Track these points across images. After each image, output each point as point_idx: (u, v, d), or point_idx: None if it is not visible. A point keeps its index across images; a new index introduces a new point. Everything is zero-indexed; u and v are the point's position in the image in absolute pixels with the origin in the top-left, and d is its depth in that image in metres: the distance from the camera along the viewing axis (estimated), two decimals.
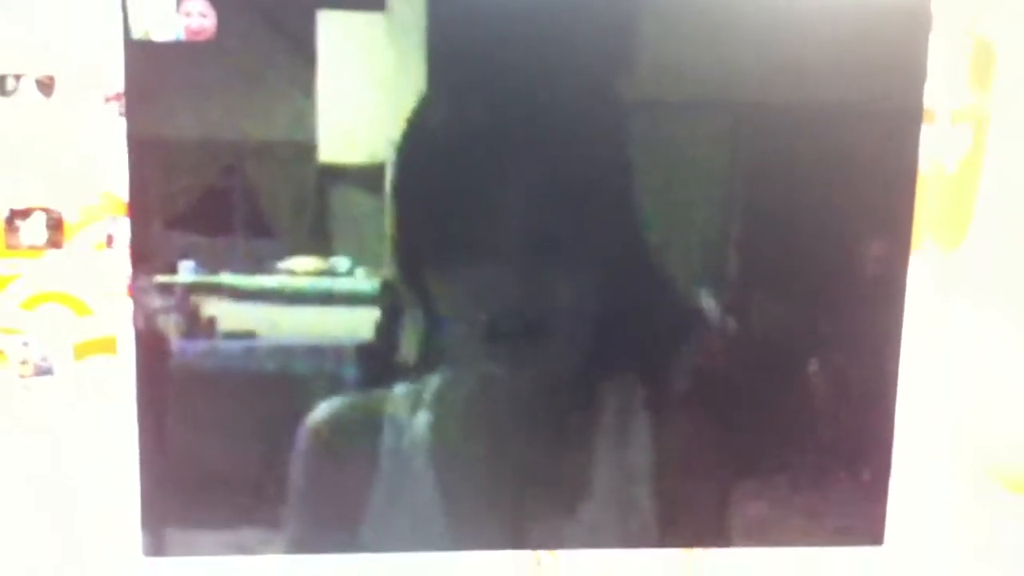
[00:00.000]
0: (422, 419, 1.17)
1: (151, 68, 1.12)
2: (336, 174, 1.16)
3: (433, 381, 1.19)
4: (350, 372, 1.19)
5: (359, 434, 1.20)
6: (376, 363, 1.18)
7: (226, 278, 1.16)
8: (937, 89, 1.19)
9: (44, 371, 1.14)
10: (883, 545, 1.27)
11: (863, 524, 1.26)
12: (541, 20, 1.12)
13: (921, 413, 1.24)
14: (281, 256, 1.17)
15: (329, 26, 1.11)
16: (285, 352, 1.18)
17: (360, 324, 1.19)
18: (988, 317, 1.24)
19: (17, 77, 1.09)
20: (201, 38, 1.06)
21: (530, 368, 1.18)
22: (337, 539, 1.21)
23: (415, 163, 1.13)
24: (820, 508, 1.25)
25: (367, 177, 1.15)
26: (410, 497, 1.18)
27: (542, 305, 1.15)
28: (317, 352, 1.18)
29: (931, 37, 1.19)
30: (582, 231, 1.15)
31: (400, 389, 1.19)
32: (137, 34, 1.08)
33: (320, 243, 1.18)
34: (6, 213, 1.11)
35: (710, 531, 1.26)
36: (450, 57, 1.11)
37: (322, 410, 1.19)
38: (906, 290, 1.24)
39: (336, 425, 1.19)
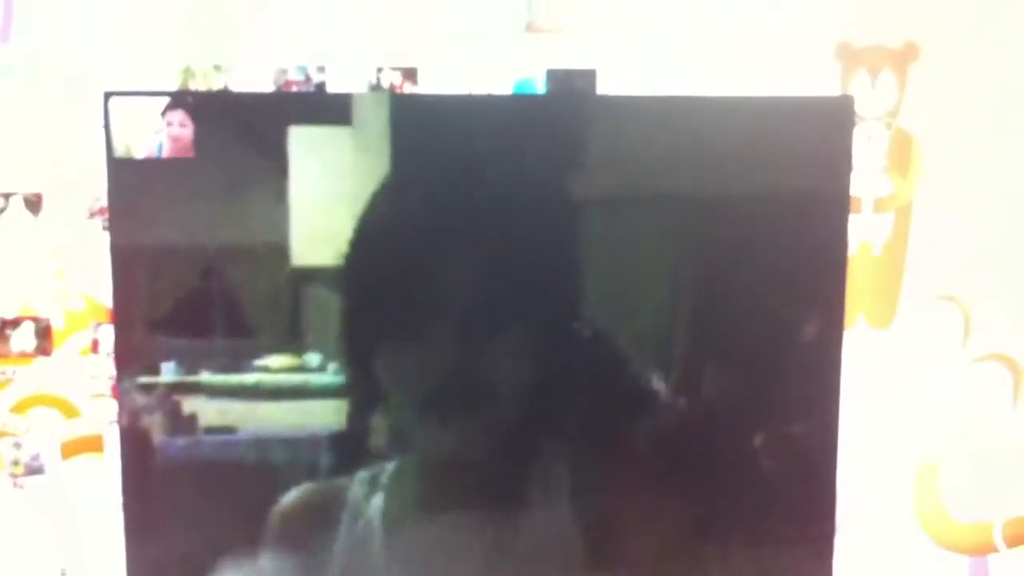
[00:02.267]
0: (376, 502, 1.17)
1: (133, 183, 1.15)
2: (307, 276, 1.17)
3: (389, 465, 1.19)
4: (324, 460, 1.20)
5: (321, 519, 1.21)
6: (347, 451, 1.19)
7: (206, 377, 1.17)
8: (861, 178, 1.24)
9: (35, 471, 1.16)
10: None
11: None
12: (496, 127, 1.16)
13: (860, 478, 1.27)
14: (257, 354, 1.18)
15: (300, 139, 1.13)
16: (263, 444, 1.20)
17: (332, 415, 1.20)
18: (919, 387, 1.29)
19: (6, 196, 1.12)
20: (180, 153, 1.10)
21: (479, 449, 1.20)
22: None
23: (371, 255, 1.16)
24: (769, 572, 1.26)
25: (337, 278, 1.16)
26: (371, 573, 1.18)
27: (493, 391, 1.17)
28: (293, 443, 1.20)
29: (855, 131, 1.23)
30: (535, 317, 1.17)
31: (361, 474, 1.20)
32: (119, 152, 1.11)
33: (294, 341, 1.19)
34: None
35: None
36: (412, 163, 1.14)
37: (289, 497, 1.20)
38: (841, 365, 1.24)
39: (300, 511, 1.20)
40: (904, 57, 1.22)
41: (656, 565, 1.26)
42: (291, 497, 1.20)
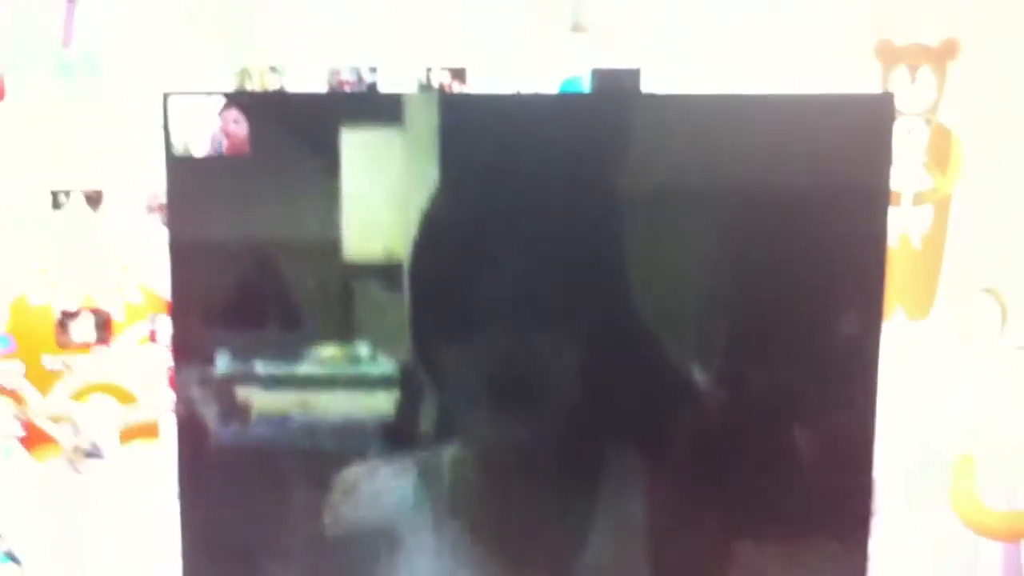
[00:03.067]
0: (437, 488, 1.19)
1: (191, 180, 1.16)
2: (358, 270, 1.19)
3: (445, 453, 1.20)
4: (374, 448, 1.21)
5: (379, 502, 1.21)
6: (396, 440, 1.21)
7: (259, 366, 1.19)
8: (901, 172, 1.24)
9: (93, 455, 1.18)
10: None
11: (848, 573, 1.29)
12: (543, 126, 1.16)
13: (897, 467, 1.28)
14: (309, 345, 1.19)
15: (352, 138, 1.15)
16: (315, 432, 1.22)
17: (382, 404, 1.21)
18: (956, 378, 1.29)
19: (67, 192, 1.14)
20: (237, 151, 1.11)
21: (532, 438, 1.20)
22: None
23: (428, 255, 1.16)
24: (807, 561, 1.27)
25: (386, 272, 1.18)
26: (425, 560, 1.21)
27: (544, 381, 1.18)
28: (343, 431, 1.21)
29: (895, 126, 1.23)
30: (581, 313, 1.18)
31: (415, 463, 1.20)
32: (178, 150, 1.12)
33: (345, 332, 1.20)
34: (58, 315, 1.15)
35: None
36: (460, 162, 1.15)
37: (345, 478, 1.20)
38: (879, 356, 1.25)
39: (359, 494, 1.20)
40: (943, 54, 1.22)
41: (694, 554, 1.26)
42: (351, 472, 1.19)
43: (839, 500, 1.29)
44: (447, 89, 1.07)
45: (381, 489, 1.22)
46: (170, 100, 1.10)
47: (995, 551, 1.34)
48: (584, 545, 1.24)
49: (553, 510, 1.24)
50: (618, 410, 1.21)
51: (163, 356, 1.12)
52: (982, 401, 1.28)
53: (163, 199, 1.12)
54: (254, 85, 1.05)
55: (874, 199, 1.24)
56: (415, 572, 1.22)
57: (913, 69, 1.21)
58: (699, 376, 1.21)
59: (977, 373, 1.28)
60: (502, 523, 1.24)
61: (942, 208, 1.24)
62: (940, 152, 1.24)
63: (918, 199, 1.23)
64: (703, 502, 1.25)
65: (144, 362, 1.13)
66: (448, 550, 1.22)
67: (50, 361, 1.12)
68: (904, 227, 1.24)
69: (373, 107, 1.16)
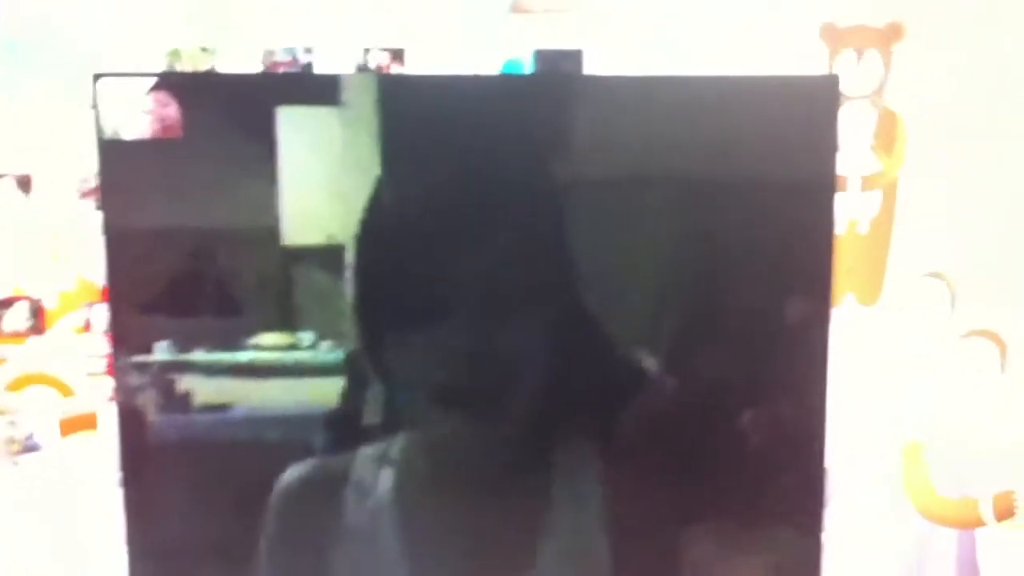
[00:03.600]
0: (385, 479, 1.16)
1: (123, 164, 1.13)
2: (298, 255, 1.16)
3: (395, 443, 1.18)
4: (319, 438, 1.19)
5: (326, 495, 1.19)
6: (342, 429, 1.18)
7: (199, 355, 1.17)
8: (848, 157, 1.22)
9: (31, 448, 1.15)
10: None
11: (801, 561, 1.28)
12: (484, 107, 1.14)
13: (849, 454, 1.26)
14: (250, 333, 1.17)
15: (288, 120, 1.12)
16: (257, 422, 1.19)
17: (326, 393, 1.19)
18: (906, 364, 1.27)
19: None
20: (169, 133, 1.09)
21: (483, 427, 1.18)
22: None
23: (371, 242, 1.14)
24: (760, 547, 1.25)
25: (327, 257, 1.15)
26: (376, 553, 1.18)
27: (492, 368, 1.16)
28: (287, 421, 1.18)
29: (841, 110, 1.21)
30: (528, 299, 1.16)
31: (365, 452, 1.18)
32: (108, 133, 1.09)
33: (286, 319, 1.18)
34: None
35: (659, 573, 1.25)
36: (400, 144, 1.13)
37: (290, 473, 1.18)
38: (829, 342, 1.23)
39: (304, 488, 1.19)
40: (889, 37, 1.20)
41: (648, 540, 1.25)
42: (292, 475, 1.19)
43: (792, 487, 1.28)
44: (385, 70, 1.04)
45: (327, 482, 1.18)
46: (99, 82, 1.07)
47: (949, 538, 1.32)
48: (536, 535, 1.22)
49: (504, 501, 1.22)
50: (568, 398, 1.21)
51: (99, 345, 1.08)
52: (933, 387, 1.26)
53: (94, 183, 1.08)
54: (185, 66, 1.02)
55: (821, 184, 1.24)
56: (362, 566, 1.16)
57: (859, 52, 1.19)
58: (649, 363, 1.18)
59: (928, 358, 1.26)
60: (452, 515, 1.22)
61: (889, 193, 1.23)
62: (887, 136, 1.22)
63: (866, 184, 1.21)
64: (656, 490, 1.25)
65: (80, 352, 1.10)
66: (397, 543, 1.19)
67: None
68: (852, 212, 1.22)
69: (310, 88, 1.13)
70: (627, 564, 1.22)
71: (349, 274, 1.14)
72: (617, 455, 1.24)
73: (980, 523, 1.32)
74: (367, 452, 1.18)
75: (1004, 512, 1.32)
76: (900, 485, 1.29)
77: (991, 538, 1.33)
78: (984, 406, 1.29)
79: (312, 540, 1.19)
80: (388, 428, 1.20)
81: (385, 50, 1.06)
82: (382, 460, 1.18)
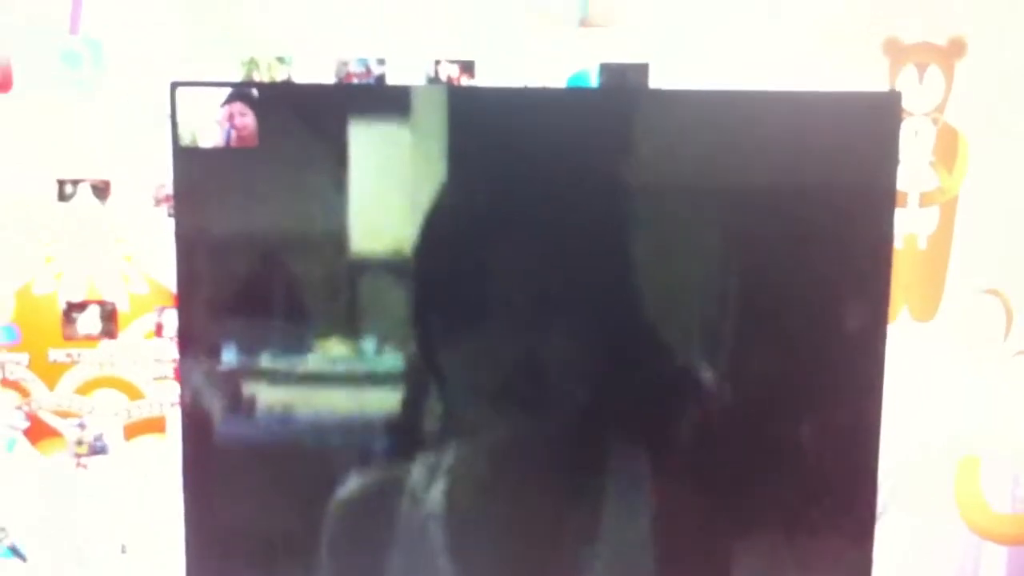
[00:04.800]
0: (437, 490, 1.16)
1: (197, 171, 1.14)
2: (365, 264, 1.17)
3: (448, 452, 1.18)
4: (378, 445, 1.19)
5: (382, 505, 1.20)
6: (402, 436, 1.19)
7: (265, 361, 1.16)
8: (907, 173, 1.22)
9: (99, 451, 1.16)
10: None
11: (852, 573, 1.27)
12: (550, 120, 1.14)
13: (902, 468, 1.25)
14: (315, 340, 1.16)
15: (360, 130, 1.12)
16: (320, 427, 1.20)
17: (387, 401, 1.20)
18: (961, 380, 1.26)
19: (75, 183, 1.11)
20: (244, 143, 1.09)
21: (536, 436, 1.19)
22: None
23: (432, 247, 1.15)
24: (812, 558, 1.25)
25: (393, 266, 1.16)
26: (431, 559, 1.18)
27: (548, 375, 1.16)
28: (348, 427, 1.19)
29: (902, 126, 1.20)
30: (586, 307, 1.16)
31: (419, 461, 1.19)
32: (185, 141, 1.10)
33: (350, 327, 1.18)
34: (64, 306, 1.12)
35: None
36: (467, 155, 1.14)
37: (349, 484, 1.19)
38: (884, 356, 1.22)
39: (361, 497, 1.20)
40: (951, 53, 1.20)
41: (698, 549, 1.25)
42: (349, 487, 1.20)
43: (844, 500, 1.29)
44: (455, 82, 1.04)
45: (383, 492, 1.20)
46: (178, 91, 1.07)
47: (999, 554, 1.31)
48: (590, 541, 1.23)
49: (559, 508, 1.23)
50: (624, 406, 1.21)
51: (169, 350, 1.08)
52: (987, 403, 1.25)
53: (169, 190, 1.08)
54: (261, 76, 1.02)
55: (881, 199, 1.24)
56: (418, 570, 1.14)
57: (921, 68, 1.19)
58: (705, 373, 1.17)
59: (982, 375, 1.25)
60: (503, 521, 1.23)
61: (948, 209, 1.22)
62: (947, 152, 1.21)
63: (924, 200, 1.20)
64: (708, 499, 1.24)
65: (150, 356, 1.10)
66: (448, 550, 1.20)
67: (56, 354, 1.09)
68: (910, 227, 1.22)
69: (381, 99, 1.13)
70: (678, 572, 1.21)
71: (410, 281, 1.10)
72: (669, 462, 1.24)
73: None
74: (421, 463, 1.15)
75: None
76: (952, 500, 1.28)
77: None
78: None
79: (368, 549, 1.20)
80: (445, 435, 1.19)
81: (455, 62, 1.06)
82: (436, 468, 1.16)
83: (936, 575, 1.29)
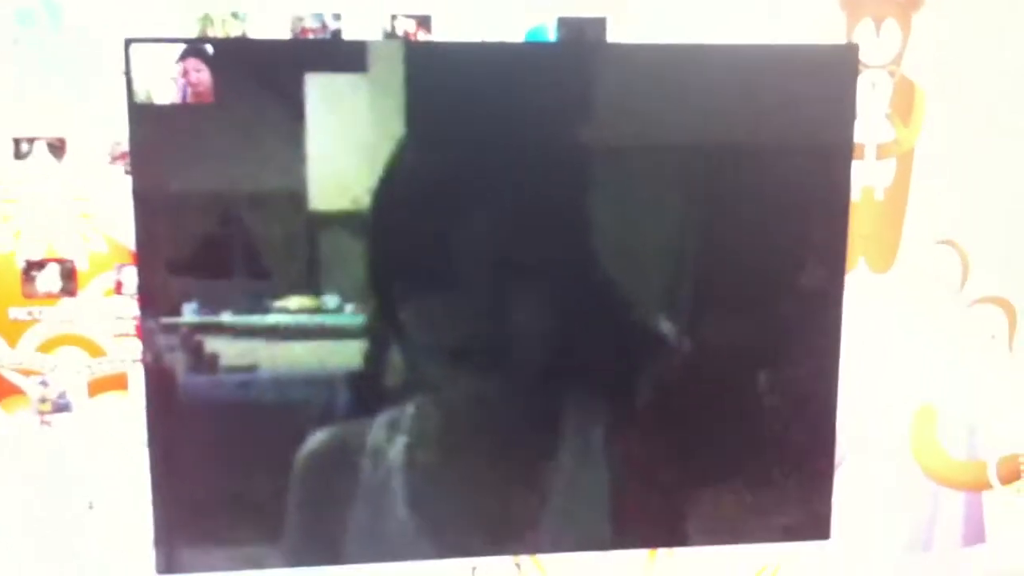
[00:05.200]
0: (398, 445, 1.17)
1: (153, 129, 1.13)
2: (324, 220, 1.17)
3: (409, 407, 1.18)
4: (341, 400, 1.20)
5: (345, 459, 1.22)
6: (364, 391, 1.19)
7: (226, 317, 1.18)
8: (864, 125, 1.22)
9: (62, 408, 1.16)
10: (829, 539, 1.31)
11: (811, 521, 1.29)
12: (508, 75, 1.14)
13: (859, 417, 1.27)
14: (276, 296, 1.17)
15: (316, 86, 1.11)
16: (282, 383, 1.20)
17: (349, 356, 1.20)
18: (917, 330, 1.28)
19: (30, 141, 1.11)
20: (200, 99, 1.09)
21: (498, 390, 1.20)
22: (329, 553, 1.22)
23: (390, 203, 1.15)
24: (771, 507, 1.27)
25: (352, 222, 1.16)
26: (393, 513, 1.20)
27: (508, 332, 1.17)
28: (311, 382, 1.19)
29: (859, 78, 1.21)
30: (546, 263, 1.17)
31: (381, 417, 1.20)
32: (140, 98, 1.09)
33: (311, 283, 1.19)
34: (23, 264, 1.12)
35: (671, 532, 1.28)
36: (425, 110, 1.13)
37: (312, 440, 1.21)
38: (842, 308, 1.24)
39: (325, 452, 1.21)
40: (908, 6, 1.20)
41: (659, 500, 1.25)
42: (314, 441, 1.21)
43: (803, 449, 1.28)
44: (412, 37, 1.04)
45: (345, 448, 1.21)
46: (132, 47, 1.06)
47: (957, 501, 1.33)
48: (550, 496, 1.24)
49: (520, 463, 1.23)
50: (585, 362, 1.20)
51: (129, 307, 1.08)
52: (943, 352, 1.27)
53: (126, 148, 1.08)
54: (216, 32, 1.02)
55: (838, 151, 1.26)
56: (376, 528, 1.16)
57: (878, 21, 1.19)
58: (666, 328, 1.17)
59: (939, 325, 1.26)
60: (463, 477, 1.25)
61: (905, 161, 1.22)
62: (903, 105, 1.22)
63: (881, 152, 1.21)
64: (669, 452, 1.24)
65: (111, 313, 1.10)
66: (407, 505, 1.22)
67: (16, 312, 1.08)
68: (867, 180, 1.22)
69: (337, 55, 1.13)
70: (638, 524, 1.22)
71: (367, 236, 1.11)
72: (630, 417, 1.25)
73: (987, 486, 1.33)
74: (382, 419, 1.17)
75: (1009, 475, 1.33)
76: (909, 448, 1.29)
77: (997, 501, 1.34)
78: (993, 372, 1.29)
79: (331, 504, 1.21)
80: (405, 391, 1.20)
81: (411, 17, 1.06)
82: (396, 425, 1.16)
83: (894, 521, 1.31)
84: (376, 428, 1.15)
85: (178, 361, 1.20)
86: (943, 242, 1.26)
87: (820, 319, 1.29)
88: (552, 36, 1.14)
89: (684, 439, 1.25)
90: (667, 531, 1.30)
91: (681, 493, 1.29)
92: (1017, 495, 1.32)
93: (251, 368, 1.17)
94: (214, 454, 1.23)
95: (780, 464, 1.30)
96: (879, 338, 1.27)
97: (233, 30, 1.09)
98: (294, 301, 1.14)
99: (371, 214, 1.15)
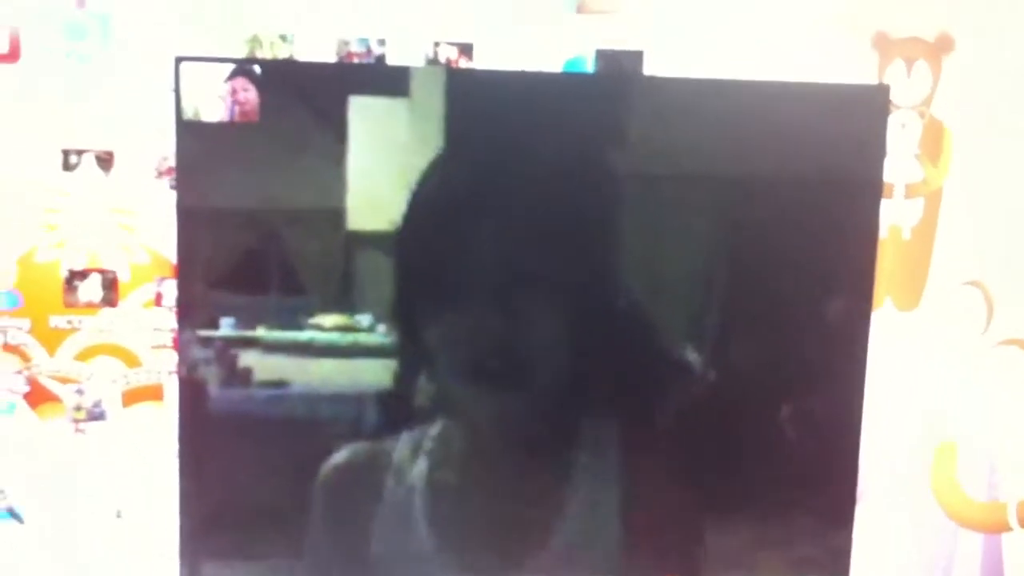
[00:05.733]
0: (420, 466, 1.19)
1: (200, 145, 1.15)
2: (362, 240, 1.18)
3: (433, 427, 1.20)
4: (370, 417, 1.21)
5: (370, 477, 1.22)
6: (392, 410, 1.21)
7: (261, 332, 1.19)
8: (894, 165, 1.24)
9: (96, 416, 1.18)
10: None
11: (830, 556, 1.30)
12: (545, 103, 1.16)
13: (881, 454, 1.28)
14: (311, 313, 1.19)
15: (359, 109, 1.14)
16: (313, 399, 1.21)
17: (380, 374, 1.21)
18: (941, 369, 1.29)
19: (79, 153, 1.13)
20: (246, 118, 1.11)
21: (520, 414, 1.20)
22: (352, 569, 1.23)
23: (422, 226, 1.16)
24: (790, 540, 1.27)
25: (389, 243, 1.17)
26: (414, 531, 1.21)
27: (536, 357, 1.18)
28: (341, 400, 1.21)
29: (889, 118, 1.23)
30: (573, 287, 1.18)
31: (406, 435, 1.21)
32: (188, 115, 1.12)
33: (346, 301, 1.20)
34: (66, 274, 1.15)
35: (686, 561, 1.28)
36: (463, 135, 1.15)
37: (337, 456, 1.21)
38: (868, 344, 1.25)
39: (348, 472, 1.21)
40: (939, 49, 1.22)
41: (682, 530, 1.25)
42: (340, 456, 1.21)
43: (825, 485, 1.29)
44: (453, 64, 1.07)
45: (371, 465, 1.21)
46: (182, 65, 1.09)
47: (975, 541, 1.33)
48: (569, 520, 1.24)
49: (540, 484, 1.24)
50: (609, 387, 1.21)
51: (168, 319, 1.10)
52: (966, 392, 1.28)
53: (172, 163, 1.11)
54: (264, 53, 1.04)
55: (867, 190, 1.25)
56: (397, 545, 1.19)
57: (909, 62, 1.21)
58: (691, 356, 1.19)
59: (962, 365, 1.27)
60: (488, 496, 1.23)
61: (932, 201, 1.24)
62: (932, 145, 1.24)
63: (909, 191, 1.23)
64: (690, 481, 1.24)
65: (149, 325, 1.12)
66: (427, 523, 1.22)
67: (57, 320, 1.11)
68: (895, 218, 1.24)
69: (381, 79, 1.15)
70: (654, 552, 1.23)
71: (393, 256, 1.14)
72: (652, 443, 1.25)
73: (1007, 528, 1.33)
74: (406, 438, 1.19)
75: None
76: (929, 487, 1.30)
77: (1017, 543, 1.34)
78: (1015, 413, 1.30)
79: (354, 519, 1.22)
80: (431, 412, 1.21)
81: (454, 45, 1.08)
82: (420, 444, 1.19)
83: (913, 560, 1.31)
84: (401, 446, 1.16)
85: (212, 374, 1.20)
86: (969, 283, 1.27)
87: (845, 354, 1.28)
88: (590, 67, 1.16)
89: (703, 468, 1.26)
90: (682, 560, 1.29)
91: (698, 522, 1.29)
92: None
93: (283, 383, 1.18)
94: (243, 468, 1.22)
95: (800, 497, 1.29)
96: (903, 376, 1.27)
97: (281, 52, 1.12)
98: (328, 319, 1.15)
99: (406, 233, 1.15)
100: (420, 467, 1.16)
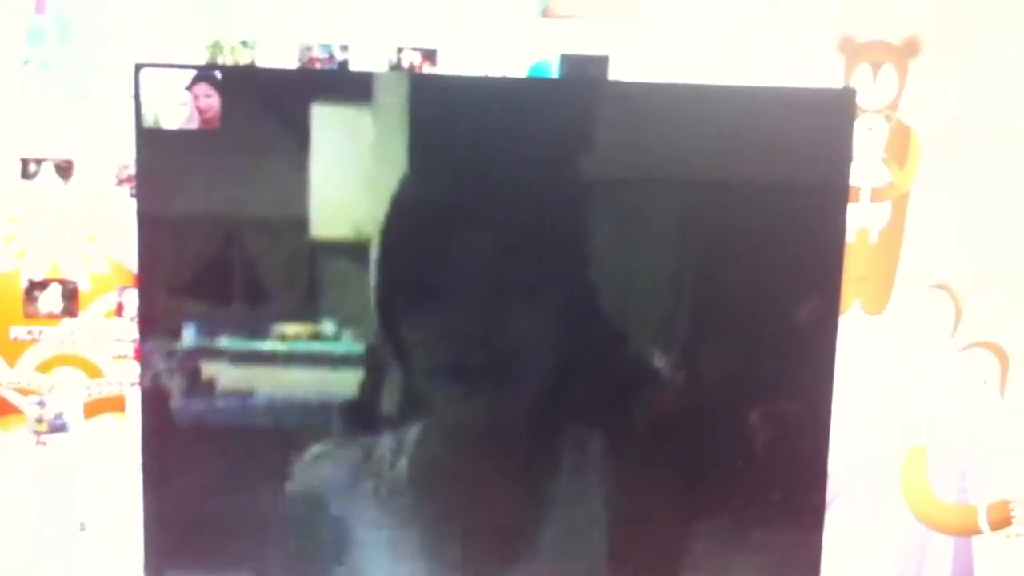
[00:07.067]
0: (400, 467, 1.18)
1: (160, 152, 1.15)
2: (325, 248, 1.18)
3: (409, 432, 1.20)
4: (337, 426, 1.20)
5: (343, 479, 1.22)
6: (360, 417, 1.20)
7: (225, 342, 1.18)
8: (860, 169, 1.25)
9: (58, 428, 1.17)
10: None
11: (800, 561, 1.30)
12: (510, 108, 1.16)
13: (850, 458, 1.28)
14: (275, 322, 1.18)
15: (322, 115, 1.13)
16: (278, 408, 1.20)
17: (346, 382, 1.21)
18: (909, 372, 1.29)
19: (38, 161, 1.13)
20: (207, 124, 1.11)
21: (494, 417, 1.22)
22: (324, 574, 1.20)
23: (394, 232, 1.16)
24: (760, 545, 1.28)
25: (353, 250, 1.17)
26: (390, 537, 1.20)
27: (507, 362, 1.19)
28: (307, 408, 1.20)
29: (856, 122, 1.23)
30: (544, 293, 1.18)
31: (383, 440, 1.20)
32: (148, 122, 1.11)
33: (310, 309, 1.20)
34: (25, 284, 1.14)
35: (658, 566, 1.28)
36: (429, 141, 1.15)
37: (311, 453, 1.21)
38: (836, 348, 1.26)
39: (323, 469, 1.21)
40: (905, 52, 1.23)
41: (648, 533, 1.26)
42: (313, 453, 1.22)
43: (794, 489, 1.30)
44: (417, 69, 1.06)
45: (342, 466, 1.18)
46: (142, 72, 1.08)
47: (946, 544, 1.34)
48: (542, 525, 1.25)
49: (513, 490, 1.24)
50: (579, 392, 1.22)
51: (129, 329, 1.10)
52: (935, 395, 1.28)
53: (132, 171, 1.10)
54: (225, 59, 1.04)
55: (834, 193, 1.26)
56: (376, 548, 1.19)
57: (875, 66, 1.22)
58: (659, 361, 1.19)
59: (931, 368, 1.28)
60: (462, 502, 1.24)
61: (900, 204, 1.25)
62: (899, 149, 1.24)
63: (876, 195, 1.24)
64: (659, 486, 1.25)
65: (110, 335, 1.11)
66: (407, 528, 1.22)
67: (17, 331, 1.10)
68: (862, 222, 1.25)
69: (344, 85, 1.15)
70: (628, 557, 1.23)
71: (373, 261, 1.13)
72: (623, 447, 1.25)
73: (977, 531, 1.34)
74: (385, 441, 1.16)
75: (1000, 521, 1.35)
76: (900, 490, 1.31)
77: (987, 546, 1.35)
78: (984, 416, 1.31)
79: (329, 523, 1.20)
80: (405, 416, 1.21)
81: (417, 50, 1.08)
82: (398, 449, 1.17)
83: (883, 564, 1.31)
84: (376, 451, 1.16)
85: (175, 384, 1.19)
86: (937, 286, 1.28)
87: (813, 359, 1.29)
88: (555, 72, 1.16)
89: (673, 475, 1.26)
90: (654, 565, 1.29)
91: (669, 528, 1.29)
92: (1007, 541, 1.32)
93: (248, 393, 1.17)
94: (207, 479, 1.22)
95: (770, 502, 1.29)
96: (871, 379, 1.28)
97: (242, 58, 1.11)
98: (292, 327, 1.15)
99: (377, 238, 1.15)
100: (398, 471, 1.14)
